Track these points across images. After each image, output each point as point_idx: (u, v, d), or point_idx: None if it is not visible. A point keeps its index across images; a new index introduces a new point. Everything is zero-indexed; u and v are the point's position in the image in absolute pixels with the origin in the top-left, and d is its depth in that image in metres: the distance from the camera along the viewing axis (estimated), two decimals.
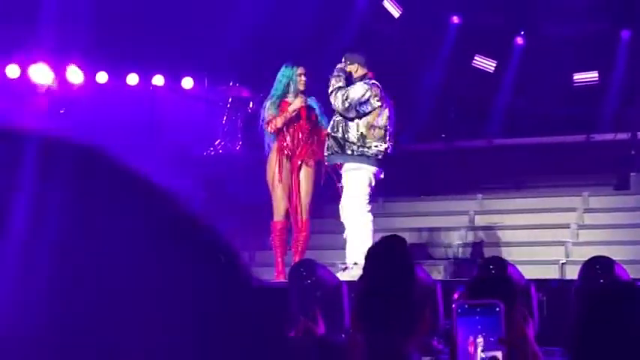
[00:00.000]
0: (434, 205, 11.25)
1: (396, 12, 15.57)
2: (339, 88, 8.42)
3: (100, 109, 14.29)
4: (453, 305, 2.63)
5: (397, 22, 15.52)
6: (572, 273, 9.25)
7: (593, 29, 14.72)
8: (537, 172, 12.22)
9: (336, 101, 8.40)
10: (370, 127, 8.42)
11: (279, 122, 8.66)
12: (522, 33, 15.17)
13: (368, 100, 8.40)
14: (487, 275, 5.60)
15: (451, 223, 10.68)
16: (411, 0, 15.36)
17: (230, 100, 14.46)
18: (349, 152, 8.41)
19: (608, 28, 14.72)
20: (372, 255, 4.16)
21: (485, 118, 14.56)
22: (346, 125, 8.44)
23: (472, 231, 10.48)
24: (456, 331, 2.63)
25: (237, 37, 14.20)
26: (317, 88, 9.01)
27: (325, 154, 8.55)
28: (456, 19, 15.44)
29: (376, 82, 8.58)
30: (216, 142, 14.32)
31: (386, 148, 8.48)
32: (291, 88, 8.75)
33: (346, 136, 8.41)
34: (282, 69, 8.87)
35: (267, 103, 8.87)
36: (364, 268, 4.18)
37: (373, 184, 8.52)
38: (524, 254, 9.71)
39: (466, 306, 2.66)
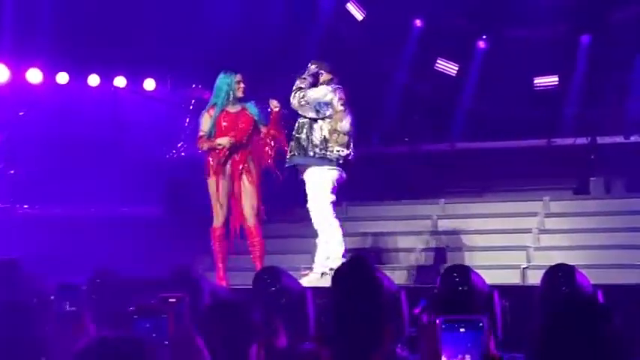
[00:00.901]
0: (397, 210, 11.26)
1: (359, 15, 15.60)
2: (300, 88, 8.58)
3: (60, 110, 14.18)
4: (437, 321, 2.63)
5: (361, 25, 15.54)
6: (534, 278, 9.33)
7: (554, 33, 14.83)
8: (499, 176, 12.30)
9: (293, 100, 8.57)
10: (333, 131, 8.51)
11: (205, 146, 8.88)
12: (484, 37, 15.25)
13: (330, 102, 8.50)
14: (451, 287, 5.62)
15: (414, 227, 10.71)
16: (375, 3, 15.39)
17: (193, 102, 14.39)
18: (311, 154, 8.51)
19: (569, 32, 14.84)
20: (338, 276, 4.17)
21: (448, 121, 14.63)
22: (311, 128, 8.54)
23: (435, 235, 10.52)
24: (441, 347, 2.63)
25: (201, 38, 14.14)
26: (284, 93, 9.03)
27: (287, 155, 8.61)
28: (418, 23, 15.48)
29: (340, 87, 8.67)
30: (179, 145, 14.25)
31: (347, 154, 8.55)
32: (230, 96, 8.83)
33: (310, 138, 8.50)
34: (221, 76, 8.98)
35: (205, 115, 8.97)
36: (332, 289, 4.19)
37: (335, 185, 8.58)
38: (486, 259, 9.76)
39: (450, 322, 2.67)
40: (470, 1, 15.10)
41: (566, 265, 5.77)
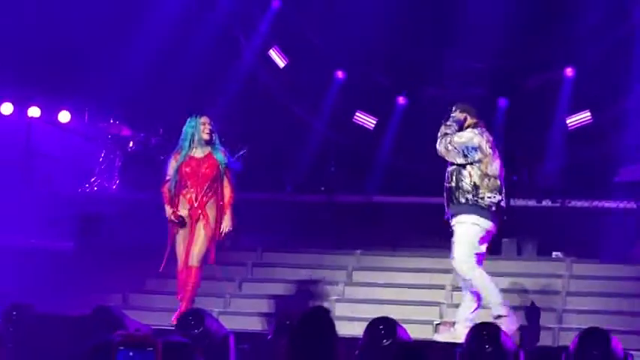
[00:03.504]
0: (313, 258, 11.26)
1: (281, 62, 15.67)
2: (446, 134, 8.34)
3: None
4: None
5: (282, 72, 15.62)
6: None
7: (472, 95, 15.10)
8: (415, 231, 12.38)
9: (440, 146, 8.33)
10: (484, 176, 8.26)
11: (165, 198, 8.75)
12: (404, 93, 15.44)
13: (478, 146, 8.26)
14: (376, 340, 5.66)
15: (330, 276, 10.72)
16: (298, 51, 15.49)
17: (109, 137, 14.24)
18: (463, 201, 8.27)
19: (487, 94, 15.12)
20: (297, 328, 4.14)
21: (365, 174, 14.73)
22: (460, 174, 8.30)
23: (350, 286, 10.54)
24: None
25: (121, 74, 14.03)
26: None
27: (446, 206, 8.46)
28: (340, 74, 15.62)
29: (486, 130, 8.48)
30: (92, 180, 14.06)
31: (499, 200, 8.31)
32: (196, 138, 8.76)
33: (460, 184, 8.28)
34: (188, 120, 8.89)
35: (172, 159, 8.88)
36: (290, 339, 4.16)
37: (484, 236, 8.35)
38: (399, 313, 9.76)
39: None
40: (392, 57, 15.31)
41: (493, 324, 5.84)
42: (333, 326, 4.17)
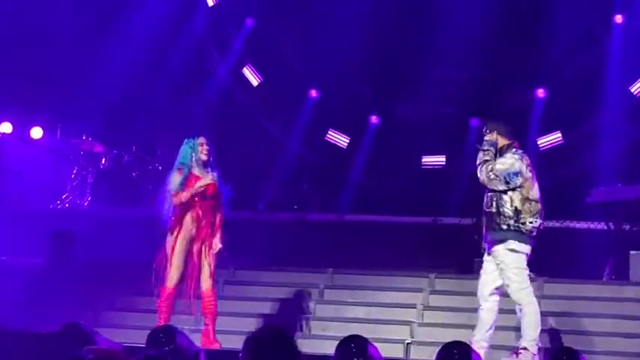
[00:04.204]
0: (284, 276, 11.25)
1: (255, 80, 15.69)
2: (486, 161, 8.17)
3: None
4: None
5: (256, 90, 15.64)
6: (417, 353, 9.45)
7: (444, 115, 15.19)
8: (386, 250, 12.39)
9: (481, 174, 8.17)
10: (525, 200, 8.15)
11: (184, 196, 8.72)
12: (377, 113, 15.50)
13: (519, 171, 8.13)
14: (350, 359, 5.63)
15: (301, 295, 10.70)
16: (272, 70, 15.52)
17: (82, 153, 14.19)
18: (504, 227, 8.14)
19: (458, 115, 15.20)
20: (254, 344, 4.12)
21: (337, 192, 14.75)
22: (500, 199, 8.15)
23: (321, 305, 10.53)
24: None
25: (94, 92, 14.01)
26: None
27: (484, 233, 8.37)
28: (314, 93, 15.66)
29: (524, 152, 8.35)
30: (64, 196, 13.99)
31: (539, 224, 8.23)
32: (194, 158, 8.81)
33: (501, 210, 8.13)
34: (185, 141, 8.97)
35: (175, 174, 8.87)
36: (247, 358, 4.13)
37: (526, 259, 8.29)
38: (370, 332, 9.75)
39: None
40: (365, 76, 15.37)
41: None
42: (289, 345, 4.14)
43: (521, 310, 8.34)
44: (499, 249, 8.24)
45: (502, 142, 8.27)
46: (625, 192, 11.85)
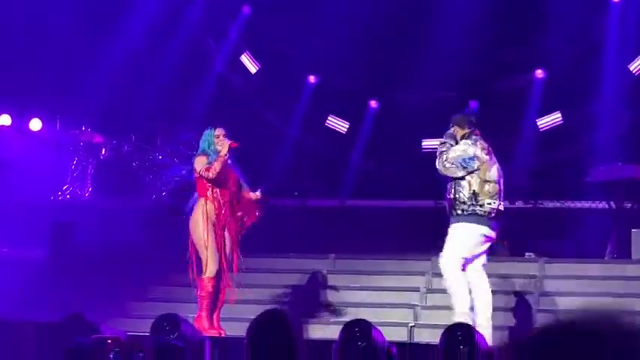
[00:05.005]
0: (287, 263, 11.27)
1: (253, 68, 15.66)
2: (441, 152, 8.39)
3: None
4: None
5: (254, 77, 15.61)
6: (421, 336, 9.48)
7: (443, 98, 15.16)
8: (388, 234, 12.42)
9: (439, 165, 8.40)
10: (484, 182, 8.31)
11: (217, 166, 8.74)
12: (376, 97, 15.47)
13: (474, 155, 8.29)
14: (351, 342, 5.67)
15: (304, 281, 10.72)
16: (270, 57, 15.49)
17: (81, 144, 14.18)
18: (459, 212, 8.34)
19: (457, 98, 15.17)
20: (255, 331, 4.13)
21: (338, 178, 14.73)
22: (458, 185, 8.35)
23: (324, 290, 10.54)
24: None
25: (93, 82, 13.99)
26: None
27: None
28: (312, 79, 15.63)
29: (481, 138, 8.46)
30: (64, 187, 13.99)
31: (498, 205, 8.36)
32: (212, 148, 8.87)
33: (457, 196, 8.32)
34: (203, 133, 9.02)
35: (199, 157, 8.92)
36: (248, 343, 4.15)
37: (482, 241, 8.42)
38: (373, 316, 9.78)
39: None
40: (363, 62, 15.33)
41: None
42: (289, 329, 4.15)
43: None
44: (450, 228, 8.51)
45: (461, 132, 8.50)
46: (625, 170, 11.86)
